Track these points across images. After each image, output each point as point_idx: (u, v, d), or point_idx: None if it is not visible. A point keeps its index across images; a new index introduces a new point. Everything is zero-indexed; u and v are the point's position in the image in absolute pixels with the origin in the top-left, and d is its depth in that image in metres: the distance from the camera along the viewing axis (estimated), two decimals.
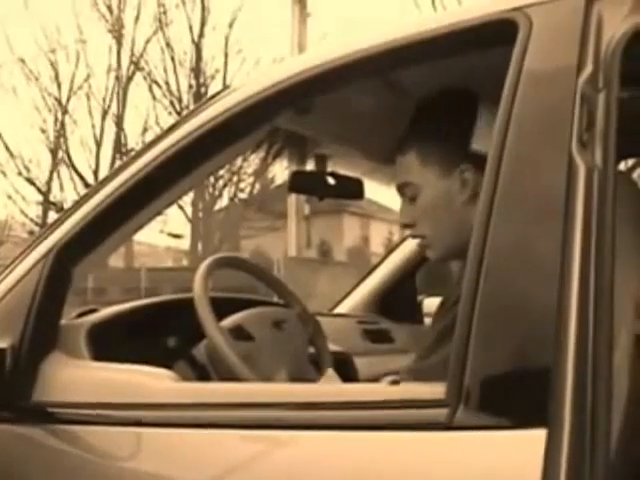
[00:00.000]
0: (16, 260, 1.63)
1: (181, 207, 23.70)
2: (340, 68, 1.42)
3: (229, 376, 1.64)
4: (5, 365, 1.49)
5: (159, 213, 1.75)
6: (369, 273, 2.97)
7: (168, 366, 1.56)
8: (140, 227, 1.67)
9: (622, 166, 2.26)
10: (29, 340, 1.52)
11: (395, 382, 1.22)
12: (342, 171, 2.24)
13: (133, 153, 1.63)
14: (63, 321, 1.63)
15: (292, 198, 14.16)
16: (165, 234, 24.90)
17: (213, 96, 1.61)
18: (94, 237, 1.60)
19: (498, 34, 1.26)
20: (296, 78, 1.46)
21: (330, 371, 1.85)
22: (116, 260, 24.27)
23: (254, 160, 20.17)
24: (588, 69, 1.13)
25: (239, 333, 1.78)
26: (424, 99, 1.64)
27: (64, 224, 1.59)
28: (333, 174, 2.24)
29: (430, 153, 1.61)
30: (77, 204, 1.61)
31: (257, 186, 24.08)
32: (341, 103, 1.71)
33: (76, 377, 1.52)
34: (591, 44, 1.14)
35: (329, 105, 1.73)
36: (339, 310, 2.94)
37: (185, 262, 25.71)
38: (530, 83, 1.17)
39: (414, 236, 1.68)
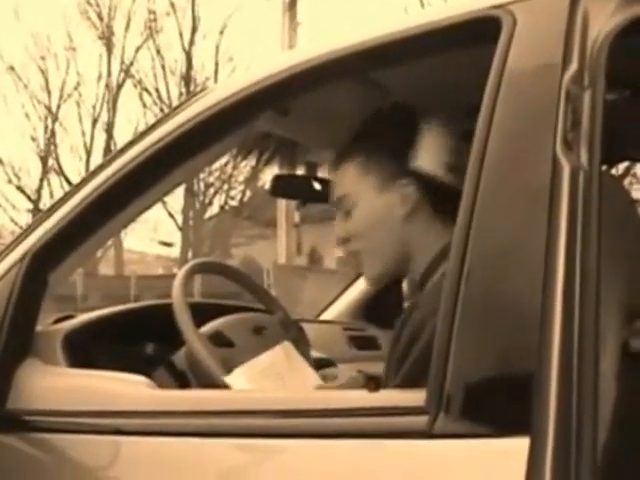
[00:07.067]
0: None
1: (171, 215, 23.72)
2: (320, 67, 1.40)
3: (209, 383, 1.61)
4: None
5: (135, 218, 1.72)
6: (355, 279, 2.94)
7: (147, 373, 1.53)
8: (117, 231, 1.65)
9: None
10: (4, 346, 1.49)
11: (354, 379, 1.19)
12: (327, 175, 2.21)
13: (109, 156, 1.60)
14: (39, 327, 1.60)
15: (282, 206, 14.16)
16: (156, 242, 24.95)
17: (187, 100, 1.58)
18: (70, 241, 1.57)
19: (481, 32, 1.24)
20: (275, 78, 1.43)
21: (286, 343, 1.81)
22: (106, 267, 24.25)
23: (245, 168, 20.25)
24: (573, 67, 1.10)
25: (219, 339, 1.75)
26: (369, 112, 1.60)
27: (39, 228, 1.56)
28: (317, 178, 2.22)
29: (370, 166, 1.56)
30: (52, 208, 1.58)
31: (248, 194, 24.06)
32: (322, 104, 1.69)
33: (51, 384, 1.50)
34: (576, 41, 1.12)
35: (310, 106, 1.70)
36: (325, 317, 2.92)
37: (176, 270, 25.65)
38: (513, 81, 1.15)
39: (350, 252, 1.62)
